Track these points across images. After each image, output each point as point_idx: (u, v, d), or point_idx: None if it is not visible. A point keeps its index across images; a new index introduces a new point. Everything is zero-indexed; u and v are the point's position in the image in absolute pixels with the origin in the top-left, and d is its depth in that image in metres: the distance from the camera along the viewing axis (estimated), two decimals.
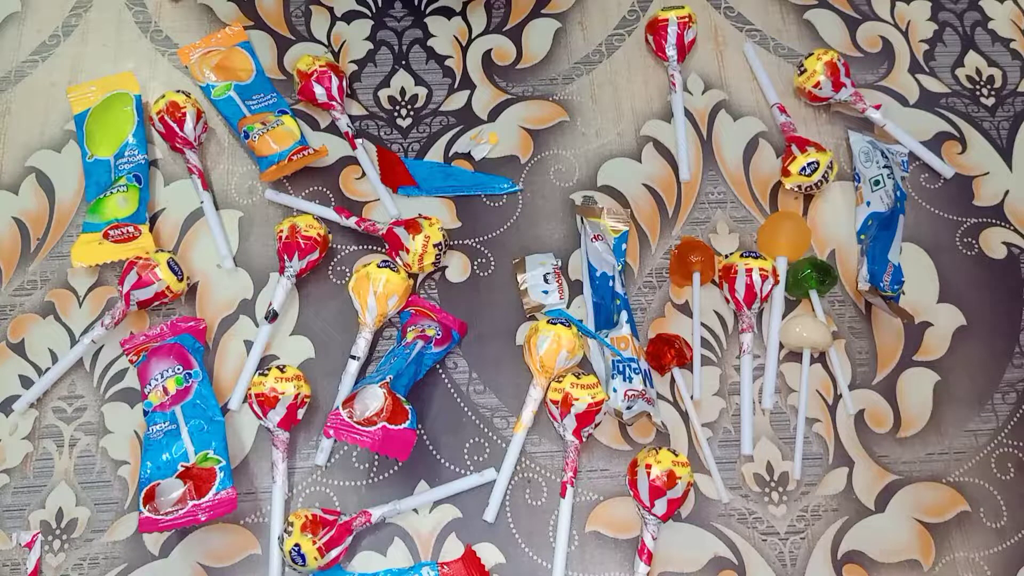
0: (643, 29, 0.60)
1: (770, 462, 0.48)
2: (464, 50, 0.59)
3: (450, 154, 0.56)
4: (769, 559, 0.46)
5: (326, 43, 0.59)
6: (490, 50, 0.59)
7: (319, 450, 0.47)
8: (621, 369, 0.47)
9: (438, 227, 0.50)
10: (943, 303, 0.52)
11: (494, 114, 0.57)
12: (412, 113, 0.57)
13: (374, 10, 0.60)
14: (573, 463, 0.46)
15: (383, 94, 0.57)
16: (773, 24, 0.61)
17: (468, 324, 0.51)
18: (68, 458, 0.47)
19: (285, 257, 0.50)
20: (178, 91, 0.54)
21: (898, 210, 0.53)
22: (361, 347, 0.49)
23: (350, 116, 0.56)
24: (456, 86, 0.58)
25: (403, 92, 0.58)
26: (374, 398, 0.44)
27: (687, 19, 0.58)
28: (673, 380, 0.50)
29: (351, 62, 0.58)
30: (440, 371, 0.50)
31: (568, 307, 0.52)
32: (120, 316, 0.49)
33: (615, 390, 0.47)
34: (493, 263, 0.53)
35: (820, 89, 0.56)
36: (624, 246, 0.53)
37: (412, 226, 0.50)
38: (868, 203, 0.53)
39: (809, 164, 0.53)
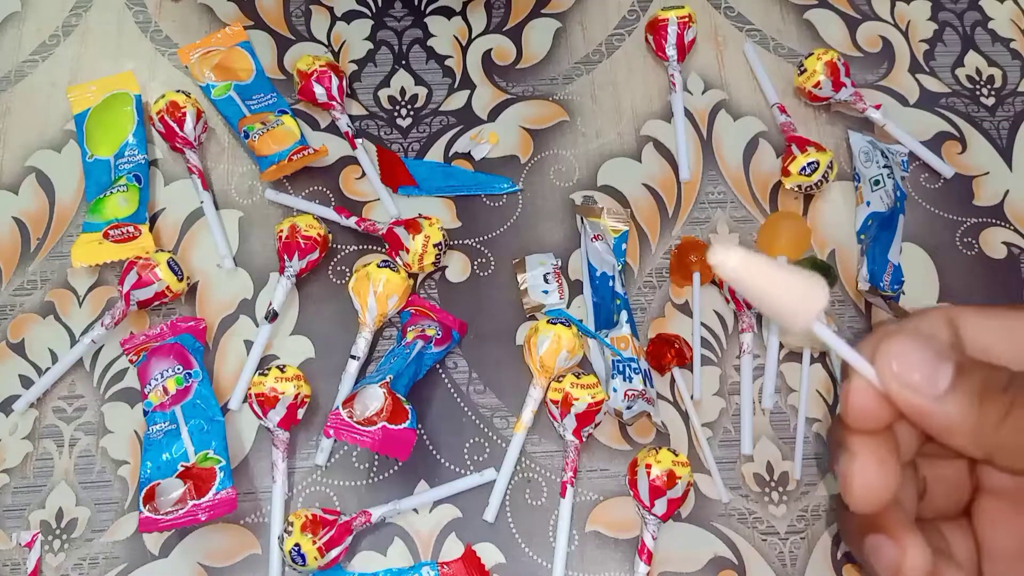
0: (643, 29, 0.60)
1: (770, 462, 0.48)
2: (464, 50, 0.59)
3: (450, 154, 0.56)
4: (769, 559, 0.46)
5: (326, 43, 0.59)
6: (490, 50, 0.59)
7: (319, 450, 0.47)
8: (621, 369, 0.47)
9: (438, 227, 0.50)
10: (943, 303, 0.52)
11: (494, 114, 0.57)
12: (412, 113, 0.57)
13: (374, 10, 0.60)
14: (573, 463, 0.46)
15: (383, 94, 0.57)
16: (773, 24, 0.61)
17: (468, 324, 0.51)
18: (68, 458, 0.47)
19: (285, 257, 0.50)
20: (178, 91, 0.54)
21: (898, 210, 0.53)
22: (361, 347, 0.49)
23: (350, 116, 0.56)
24: (456, 86, 0.58)
25: (403, 92, 0.58)
26: (374, 398, 0.44)
27: (687, 19, 0.57)
28: (673, 380, 0.50)
29: (351, 62, 0.58)
30: (440, 371, 0.50)
31: (568, 307, 0.51)
32: (120, 316, 0.49)
33: (615, 390, 0.47)
34: (493, 263, 0.53)
35: (820, 89, 0.56)
36: (624, 246, 0.53)
37: (412, 226, 0.50)
38: (868, 203, 0.53)
39: (809, 164, 0.52)
